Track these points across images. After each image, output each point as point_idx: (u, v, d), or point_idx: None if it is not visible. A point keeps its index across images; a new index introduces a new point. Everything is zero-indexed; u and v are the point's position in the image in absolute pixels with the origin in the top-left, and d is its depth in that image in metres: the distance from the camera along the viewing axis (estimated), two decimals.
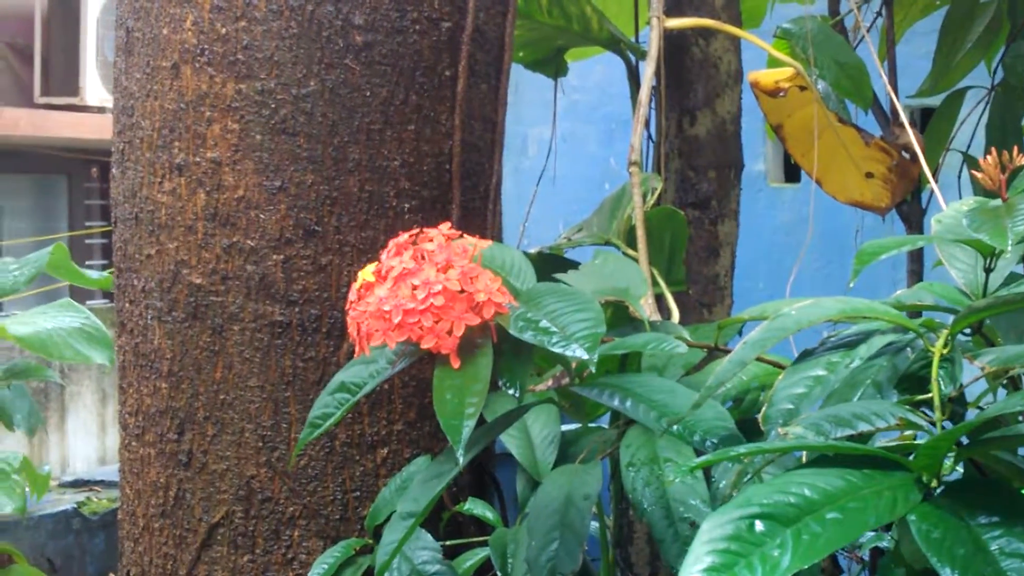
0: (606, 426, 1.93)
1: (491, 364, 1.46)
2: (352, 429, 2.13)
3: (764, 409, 1.36)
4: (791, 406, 1.35)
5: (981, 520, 1.08)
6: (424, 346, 1.46)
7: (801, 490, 1.11)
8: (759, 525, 1.08)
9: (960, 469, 1.24)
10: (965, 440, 1.21)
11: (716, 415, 1.51)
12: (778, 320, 1.37)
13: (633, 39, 3.14)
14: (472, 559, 1.98)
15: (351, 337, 1.51)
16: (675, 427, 1.47)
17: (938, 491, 1.13)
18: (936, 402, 1.25)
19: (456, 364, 1.46)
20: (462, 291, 1.47)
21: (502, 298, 1.48)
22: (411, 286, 1.46)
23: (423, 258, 1.50)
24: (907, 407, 1.22)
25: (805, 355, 1.42)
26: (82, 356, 2.73)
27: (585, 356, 1.42)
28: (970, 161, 3.28)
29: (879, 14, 3.43)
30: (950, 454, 1.17)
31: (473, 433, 1.43)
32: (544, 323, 1.46)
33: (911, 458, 1.14)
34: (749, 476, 1.38)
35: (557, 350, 1.43)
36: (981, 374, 1.21)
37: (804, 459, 1.30)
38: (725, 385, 1.36)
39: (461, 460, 1.42)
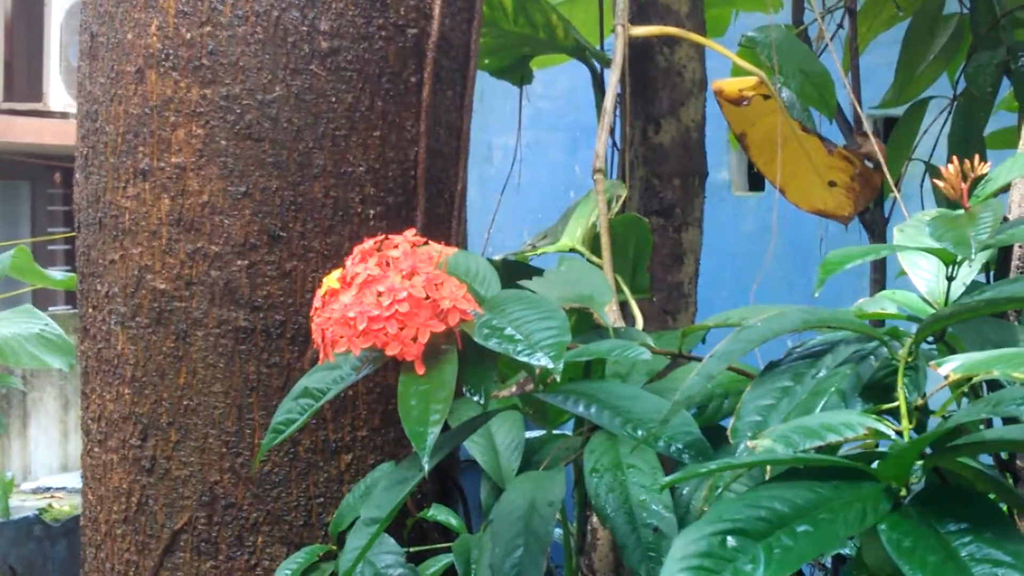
0: (570, 433, 1.94)
1: (456, 371, 1.46)
2: (316, 435, 2.13)
3: (732, 422, 1.36)
4: (759, 418, 1.35)
5: (951, 528, 1.09)
6: (389, 353, 1.46)
7: (772, 504, 1.12)
8: (731, 541, 1.09)
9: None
10: (930, 449, 1.22)
11: (681, 420, 1.51)
12: (744, 332, 1.37)
13: (598, 47, 3.15)
14: (436, 565, 1.98)
15: (315, 343, 1.51)
16: (640, 432, 1.48)
17: (907, 500, 1.14)
18: (903, 411, 1.25)
19: (421, 371, 1.46)
20: (427, 298, 1.47)
21: (467, 305, 1.48)
22: (376, 293, 1.46)
23: (388, 265, 1.50)
24: (874, 416, 1.22)
25: (771, 366, 1.43)
26: (40, 362, 2.72)
27: (550, 365, 1.42)
28: (932, 170, 3.30)
29: (840, 25, 3.45)
30: (917, 463, 1.17)
31: (437, 439, 1.43)
32: (509, 331, 1.46)
33: (879, 468, 1.15)
34: (720, 489, 1.39)
35: (522, 359, 1.43)
36: (945, 383, 1.22)
37: (768, 472, 1.31)
38: (694, 400, 1.37)
39: (426, 467, 1.42)
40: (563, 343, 1.45)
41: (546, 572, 1.69)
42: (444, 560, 1.98)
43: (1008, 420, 1.48)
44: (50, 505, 6.56)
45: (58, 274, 3.10)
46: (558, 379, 1.51)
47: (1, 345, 2.72)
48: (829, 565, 2.99)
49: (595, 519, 2.54)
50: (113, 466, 2.19)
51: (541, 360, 1.43)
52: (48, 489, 6.97)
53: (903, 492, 1.14)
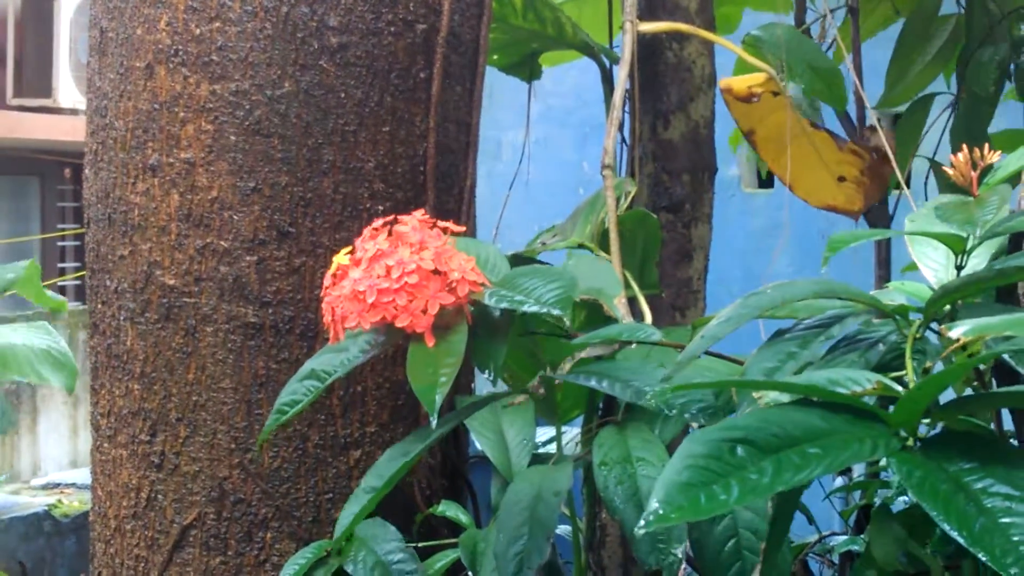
0: (578, 429, 1.94)
1: (465, 340, 1.47)
2: (325, 431, 2.13)
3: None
4: (763, 378, 1.36)
5: (961, 466, 1.09)
6: (398, 325, 1.46)
7: (783, 425, 1.12)
8: (740, 450, 1.09)
9: None
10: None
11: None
12: (753, 297, 1.37)
13: (607, 43, 3.14)
14: (443, 560, 1.98)
15: (326, 323, 1.51)
16: (654, 401, 1.49)
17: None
18: (910, 376, 1.25)
19: (431, 342, 1.46)
20: (436, 271, 1.47)
21: (476, 276, 1.49)
22: (385, 266, 1.46)
23: (398, 245, 1.51)
24: (882, 374, 1.22)
25: (779, 334, 1.43)
26: (41, 377, 2.73)
27: (557, 313, 1.44)
28: (936, 167, 3.30)
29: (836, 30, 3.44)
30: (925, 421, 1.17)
31: (448, 415, 1.43)
32: (519, 297, 1.48)
33: (890, 412, 1.14)
34: None
35: (531, 310, 1.46)
36: (954, 346, 1.21)
37: None
38: (696, 357, 1.37)
39: (434, 423, 1.42)
40: (570, 296, 1.49)
41: (555, 567, 1.69)
42: (451, 555, 1.98)
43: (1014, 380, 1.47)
44: (59, 501, 6.58)
45: (57, 295, 3.10)
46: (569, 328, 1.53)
47: (7, 354, 2.73)
48: (837, 562, 2.98)
49: (604, 514, 2.54)
50: (122, 462, 2.20)
51: (550, 311, 1.45)
52: (57, 485, 6.99)
53: (911, 441, 1.14)
